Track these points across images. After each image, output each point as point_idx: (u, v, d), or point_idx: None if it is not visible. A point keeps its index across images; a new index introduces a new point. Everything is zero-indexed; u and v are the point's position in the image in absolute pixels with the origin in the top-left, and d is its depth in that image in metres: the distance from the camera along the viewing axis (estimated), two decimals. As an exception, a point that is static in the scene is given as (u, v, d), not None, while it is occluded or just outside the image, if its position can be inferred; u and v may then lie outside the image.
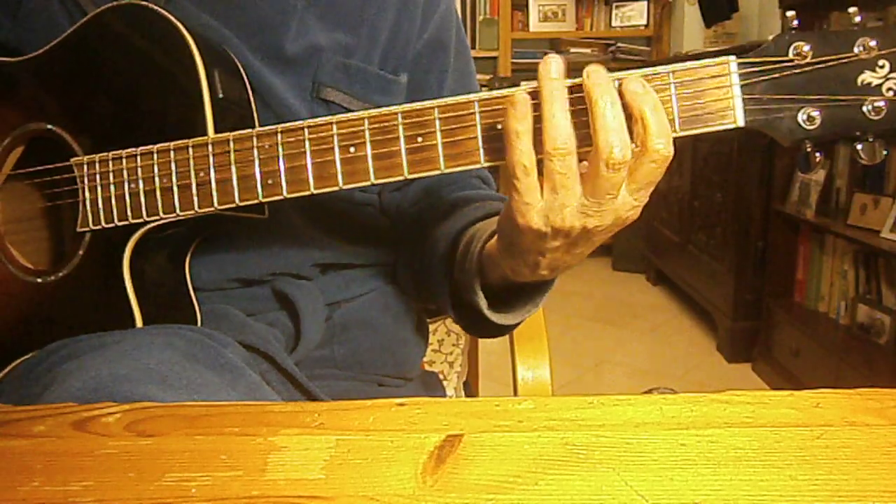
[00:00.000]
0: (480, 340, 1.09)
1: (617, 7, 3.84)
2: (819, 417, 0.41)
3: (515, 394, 0.87)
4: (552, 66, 0.50)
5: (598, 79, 0.49)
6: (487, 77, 3.74)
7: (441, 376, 0.98)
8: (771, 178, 2.32)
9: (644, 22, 3.82)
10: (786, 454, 0.38)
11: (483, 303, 0.64)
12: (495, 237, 0.61)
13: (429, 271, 0.71)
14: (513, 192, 0.51)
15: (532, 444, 0.39)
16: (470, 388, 1.07)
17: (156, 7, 0.62)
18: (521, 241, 0.54)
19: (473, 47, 3.79)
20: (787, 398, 0.43)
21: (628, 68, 0.53)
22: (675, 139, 0.51)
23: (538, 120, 0.50)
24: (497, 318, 0.65)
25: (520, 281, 0.61)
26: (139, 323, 0.63)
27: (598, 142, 0.48)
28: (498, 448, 0.39)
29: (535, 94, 0.51)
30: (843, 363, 1.91)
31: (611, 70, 0.51)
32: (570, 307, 2.99)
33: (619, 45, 3.78)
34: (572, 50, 3.79)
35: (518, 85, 0.54)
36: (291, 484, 0.37)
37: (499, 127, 0.53)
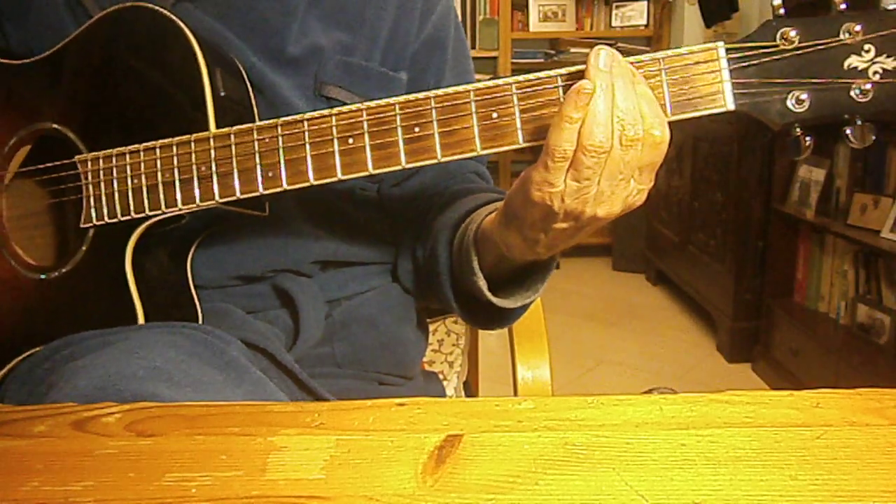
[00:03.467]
0: (480, 341, 1.09)
1: (617, 7, 3.84)
2: (819, 417, 0.41)
3: (515, 394, 0.87)
4: (602, 58, 0.50)
5: (609, 53, 0.50)
6: (487, 77, 3.73)
7: (441, 376, 0.98)
8: (771, 178, 2.32)
9: (644, 22, 3.82)
10: (786, 454, 0.38)
11: (483, 283, 0.64)
12: (493, 214, 0.61)
13: (431, 264, 0.72)
14: (541, 169, 0.52)
15: (532, 444, 0.39)
16: (470, 388, 1.07)
17: (160, 9, 0.63)
18: (528, 216, 0.55)
19: (473, 47, 3.79)
20: (787, 398, 0.43)
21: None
22: (671, 126, 0.52)
23: (548, 106, 0.52)
24: (498, 301, 0.65)
25: (514, 260, 0.62)
26: (141, 319, 0.64)
27: (610, 118, 0.49)
28: (498, 448, 0.39)
29: (573, 77, 0.52)
30: (843, 363, 1.91)
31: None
32: (570, 307, 2.99)
33: (619, 45, 3.77)
34: (572, 50, 3.78)
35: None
36: (291, 484, 0.37)
37: (494, 116, 0.54)
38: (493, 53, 3.84)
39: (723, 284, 2.51)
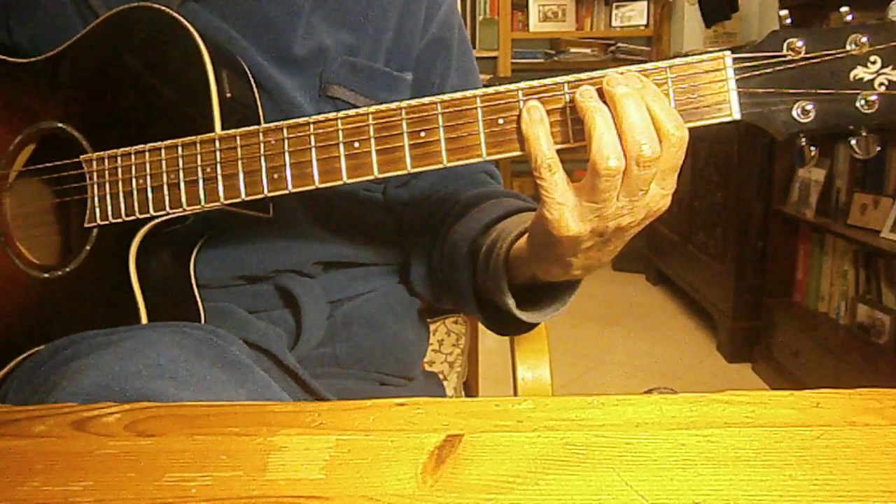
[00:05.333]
0: (480, 341, 1.09)
1: (617, 7, 3.83)
2: (819, 417, 0.41)
3: (515, 394, 0.87)
4: (587, 93, 0.51)
5: (616, 82, 0.50)
6: (487, 77, 3.73)
7: (441, 376, 0.98)
8: (771, 178, 2.32)
9: (644, 22, 3.82)
10: (786, 454, 0.38)
11: (512, 302, 0.64)
12: (523, 239, 0.61)
13: (450, 273, 0.72)
14: (541, 191, 0.52)
15: (532, 444, 0.39)
16: (470, 388, 1.07)
17: (166, 9, 0.63)
18: (555, 249, 0.55)
19: (473, 47, 3.76)
20: (787, 398, 0.43)
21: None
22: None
23: (553, 114, 0.52)
24: (526, 316, 0.65)
25: (547, 280, 0.62)
26: (144, 319, 0.64)
27: (626, 143, 0.49)
28: (498, 448, 0.39)
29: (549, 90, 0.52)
30: (843, 363, 1.91)
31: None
32: (570, 307, 2.97)
33: (619, 45, 3.77)
34: (572, 50, 3.79)
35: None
36: (291, 484, 0.37)
37: (500, 122, 0.54)
38: (493, 53, 3.84)
39: (723, 284, 2.51)
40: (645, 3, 3.80)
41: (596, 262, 0.57)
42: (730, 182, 2.49)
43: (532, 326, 0.70)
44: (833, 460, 0.37)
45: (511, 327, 0.70)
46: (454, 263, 0.70)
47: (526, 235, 0.61)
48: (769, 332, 2.30)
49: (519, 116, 0.53)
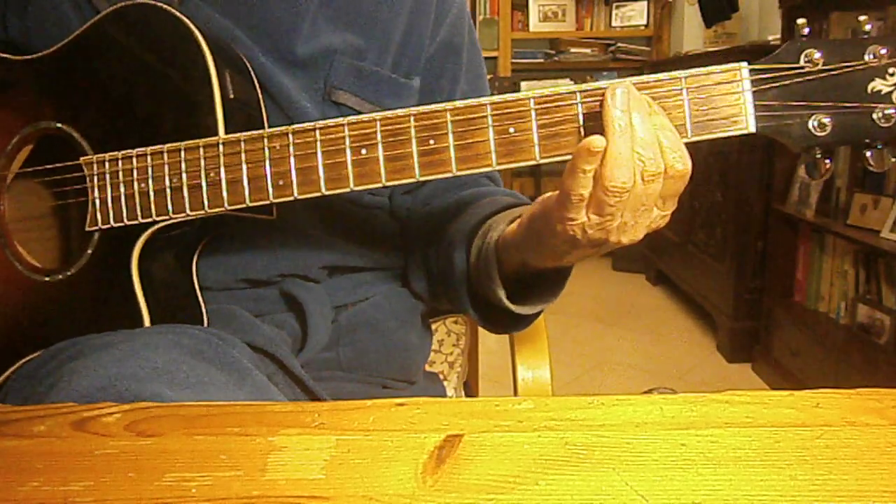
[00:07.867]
0: (480, 341, 1.09)
1: (617, 7, 3.83)
2: (819, 417, 0.41)
3: (515, 394, 0.87)
4: (619, 98, 0.50)
5: (625, 91, 0.50)
6: (487, 77, 3.73)
7: (441, 376, 0.98)
8: (771, 178, 2.32)
9: (644, 22, 3.81)
10: (786, 454, 0.38)
11: (501, 292, 0.64)
12: (514, 224, 0.62)
13: (445, 268, 0.71)
14: (560, 207, 0.52)
15: (532, 444, 0.39)
16: (470, 389, 1.06)
17: (168, 7, 0.62)
18: (552, 241, 0.55)
19: (473, 47, 3.78)
20: (787, 398, 0.43)
21: (628, 68, 0.54)
22: (686, 145, 0.52)
23: (566, 123, 0.52)
24: (516, 308, 0.65)
25: (538, 267, 0.62)
26: (146, 322, 0.63)
27: (632, 157, 0.49)
28: (498, 448, 0.39)
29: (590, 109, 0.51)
30: (843, 363, 1.91)
31: (611, 71, 0.52)
32: (570, 307, 2.99)
33: (619, 45, 3.77)
34: (572, 50, 3.78)
35: (517, 85, 0.55)
36: (291, 484, 0.37)
37: (511, 131, 0.54)
38: (494, 53, 3.83)
39: (723, 284, 2.51)
40: (645, 3, 3.80)
41: (589, 256, 0.58)
42: (730, 182, 2.49)
43: (524, 324, 0.70)
44: (833, 460, 0.37)
45: (501, 321, 0.70)
46: (450, 259, 0.70)
47: (517, 222, 0.61)
48: (769, 332, 2.30)
49: (577, 152, 0.51)
